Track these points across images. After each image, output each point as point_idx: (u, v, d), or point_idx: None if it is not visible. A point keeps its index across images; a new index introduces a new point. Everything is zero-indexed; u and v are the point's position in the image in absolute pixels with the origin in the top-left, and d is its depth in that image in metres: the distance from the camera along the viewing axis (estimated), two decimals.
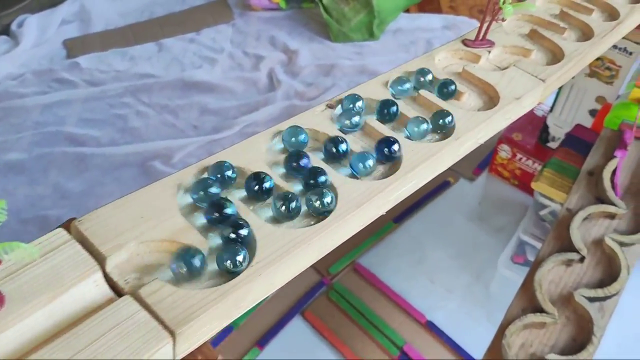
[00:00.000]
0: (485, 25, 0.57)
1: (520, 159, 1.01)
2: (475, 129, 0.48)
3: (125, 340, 0.28)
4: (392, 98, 0.48)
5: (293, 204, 0.36)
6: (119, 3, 1.38)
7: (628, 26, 0.68)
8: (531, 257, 0.86)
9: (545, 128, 0.99)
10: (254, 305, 0.34)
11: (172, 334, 0.29)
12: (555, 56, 0.60)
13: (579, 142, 0.74)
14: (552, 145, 1.00)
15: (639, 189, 0.65)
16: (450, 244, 0.98)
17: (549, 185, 0.72)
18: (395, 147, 0.42)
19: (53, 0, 1.37)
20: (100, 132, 1.12)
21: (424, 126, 0.46)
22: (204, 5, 1.38)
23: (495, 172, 1.07)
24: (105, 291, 0.31)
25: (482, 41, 0.57)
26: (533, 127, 1.02)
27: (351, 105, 0.46)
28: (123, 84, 1.21)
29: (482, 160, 1.10)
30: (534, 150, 1.00)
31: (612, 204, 0.64)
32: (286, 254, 0.34)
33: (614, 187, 0.65)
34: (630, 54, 0.81)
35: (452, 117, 0.47)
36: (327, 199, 0.37)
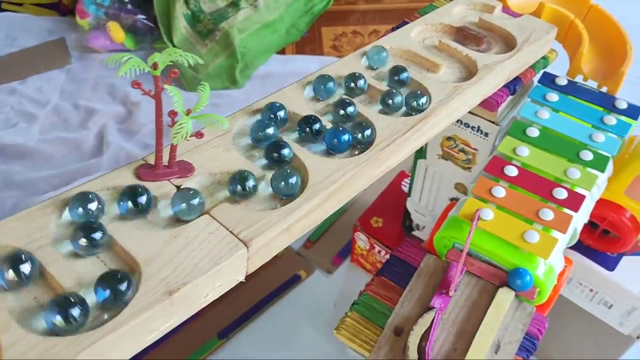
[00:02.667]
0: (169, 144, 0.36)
1: (380, 251, 0.80)
2: None
3: None
4: None
5: None
6: None
7: (442, 121, 0.47)
8: None
9: (407, 213, 0.78)
10: None
11: None
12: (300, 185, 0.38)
13: (403, 267, 0.53)
14: (420, 234, 0.79)
15: None
16: None
17: (351, 339, 0.50)
18: None
19: None
20: None
21: None
22: (37, 46, 1.14)
23: (357, 263, 0.86)
24: None
25: (168, 168, 0.36)
26: (397, 209, 0.81)
27: None
28: None
29: (344, 247, 0.88)
30: (396, 241, 0.79)
31: None
32: None
33: (424, 358, 0.44)
34: (486, 135, 0.60)
35: None
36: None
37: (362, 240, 0.81)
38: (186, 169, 0.36)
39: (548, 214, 0.48)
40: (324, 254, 0.87)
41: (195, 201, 0.33)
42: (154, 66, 0.32)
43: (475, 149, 0.62)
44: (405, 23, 0.59)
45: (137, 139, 1.01)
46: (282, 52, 1.18)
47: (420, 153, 0.68)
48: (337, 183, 0.37)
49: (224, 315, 0.78)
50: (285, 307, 0.81)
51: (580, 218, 0.51)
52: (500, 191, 0.50)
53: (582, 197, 0.50)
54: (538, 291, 0.47)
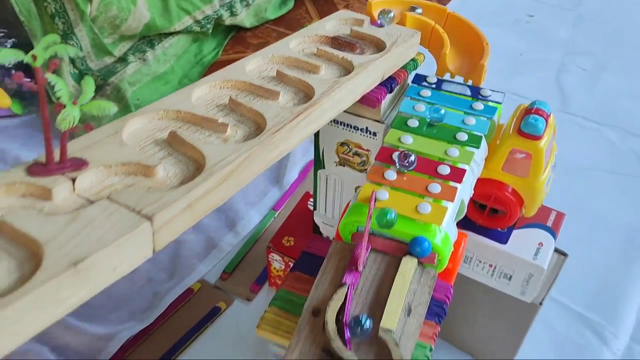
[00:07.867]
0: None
1: None
2: None
3: None
4: None
5: None
6: None
7: (327, 110, 0.51)
8: None
9: (316, 227, 0.81)
10: None
11: None
12: (197, 168, 0.40)
13: (314, 261, 0.55)
14: None
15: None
16: None
17: (274, 332, 0.51)
18: None
19: None
20: None
21: None
22: None
23: (275, 286, 0.87)
24: None
25: (60, 164, 0.36)
26: (306, 227, 0.83)
27: None
28: None
29: (260, 274, 0.89)
30: None
31: (341, 359, 0.44)
32: None
33: (342, 331, 0.45)
34: (375, 134, 0.65)
35: None
36: None
37: (276, 261, 0.82)
38: (79, 163, 0.36)
39: (436, 188, 0.53)
40: (242, 283, 0.87)
41: None
42: (34, 58, 0.33)
43: (367, 150, 0.67)
44: None
45: None
46: None
47: (319, 164, 0.72)
48: (233, 164, 0.39)
49: (146, 356, 0.75)
50: (209, 340, 0.80)
51: (464, 189, 0.56)
52: (391, 174, 0.54)
53: (463, 171, 0.55)
54: (438, 258, 0.50)
